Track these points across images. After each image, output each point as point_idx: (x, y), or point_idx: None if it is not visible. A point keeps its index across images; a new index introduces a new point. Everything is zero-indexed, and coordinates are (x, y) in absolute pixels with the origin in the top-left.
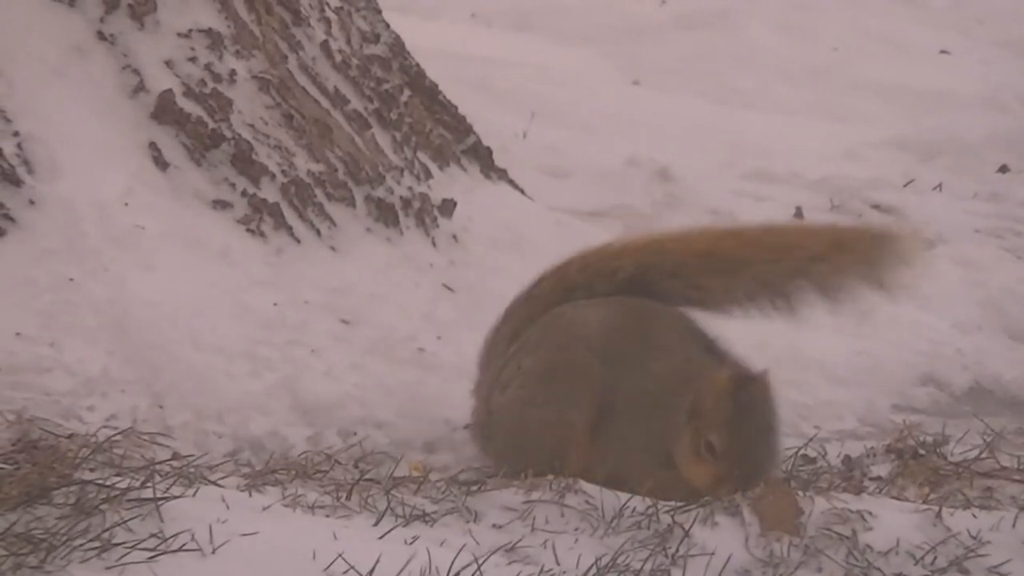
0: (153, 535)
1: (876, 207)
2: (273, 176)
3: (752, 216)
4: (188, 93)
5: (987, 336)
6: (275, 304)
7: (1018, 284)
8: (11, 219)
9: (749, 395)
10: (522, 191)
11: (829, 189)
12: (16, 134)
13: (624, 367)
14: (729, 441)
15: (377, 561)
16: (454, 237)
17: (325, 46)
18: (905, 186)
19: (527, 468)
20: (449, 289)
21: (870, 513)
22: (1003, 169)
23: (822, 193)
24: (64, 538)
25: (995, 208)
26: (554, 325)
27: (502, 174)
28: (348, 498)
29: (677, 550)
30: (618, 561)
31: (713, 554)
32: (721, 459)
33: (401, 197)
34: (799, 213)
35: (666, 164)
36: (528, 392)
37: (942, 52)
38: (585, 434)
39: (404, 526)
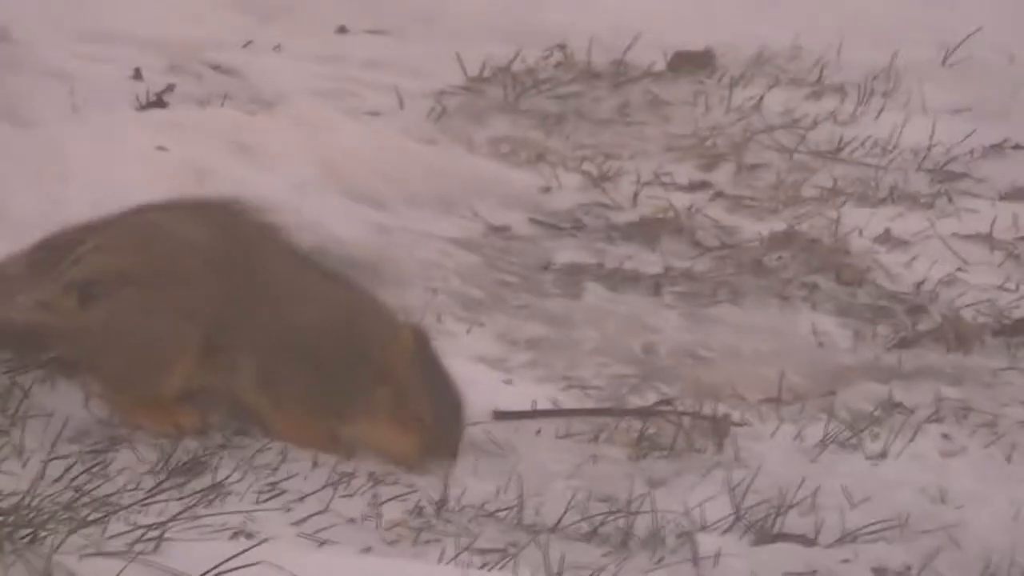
0: None
1: (216, 68)
2: None
3: (93, 79)
4: None
5: (324, 196)
6: None
7: (355, 144)
8: None
9: (432, 352)
10: None
11: (168, 50)
12: None
13: (252, 292)
14: (436, 411)
15: None
16: None
17: None
18: (244, 47)
19: (127, 375)
20: None
21: None
22: (342, 30)
23: (161, 55)
24: None
25: (333, 69)
26: (149, 231)
27: None
28: None
29: (17, 410)
30: None
31: (52, 415)
32: (430, 430)
33: None
34: (138, 75)
35: (6, 23)
36: (135, 300)
37: None
38: (197, 349)
39: None
